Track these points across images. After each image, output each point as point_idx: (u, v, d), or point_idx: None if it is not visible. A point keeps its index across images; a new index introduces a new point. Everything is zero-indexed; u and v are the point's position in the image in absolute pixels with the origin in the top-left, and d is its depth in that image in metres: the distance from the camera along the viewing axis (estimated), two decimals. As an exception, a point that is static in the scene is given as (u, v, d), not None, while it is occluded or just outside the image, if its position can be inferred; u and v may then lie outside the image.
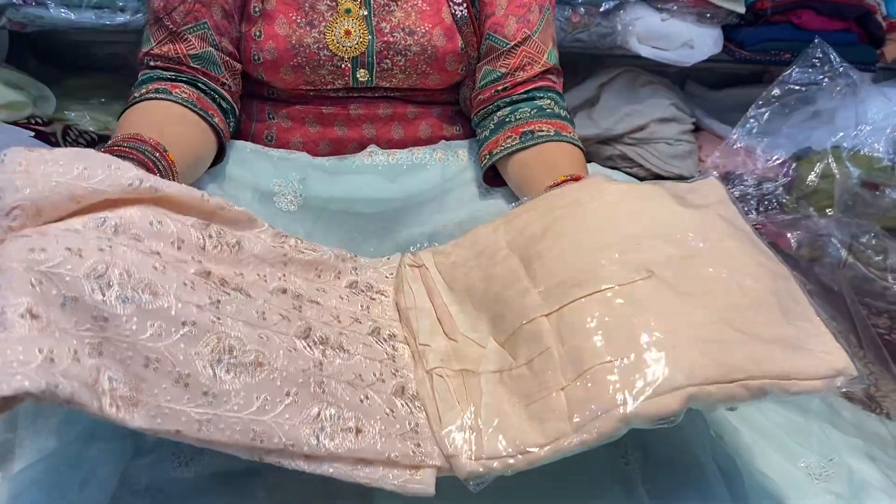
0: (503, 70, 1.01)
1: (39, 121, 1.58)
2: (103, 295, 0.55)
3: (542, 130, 0.97)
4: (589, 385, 0.62)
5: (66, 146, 1.55)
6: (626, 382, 0.60)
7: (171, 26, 0.94)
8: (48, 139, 1.52)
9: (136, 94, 0.95)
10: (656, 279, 0.66)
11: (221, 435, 0.59)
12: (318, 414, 0.64)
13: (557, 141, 0.96)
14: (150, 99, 0.93)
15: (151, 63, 0.96)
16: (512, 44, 0.99)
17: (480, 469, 0.64)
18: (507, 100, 1.01)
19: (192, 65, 0.96)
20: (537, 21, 0.99)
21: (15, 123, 1.51)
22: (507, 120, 1.00)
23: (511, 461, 0.63)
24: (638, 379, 0.60)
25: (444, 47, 1.00)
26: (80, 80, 1.82)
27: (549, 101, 0.99)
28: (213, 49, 0.97)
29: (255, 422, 0.60)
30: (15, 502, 0.84)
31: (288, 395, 0.63)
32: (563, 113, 1.00)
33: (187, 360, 0.58)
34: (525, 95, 1.00)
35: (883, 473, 1.00)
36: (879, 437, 1.07)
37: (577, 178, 0.87)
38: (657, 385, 0.59)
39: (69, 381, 0.51)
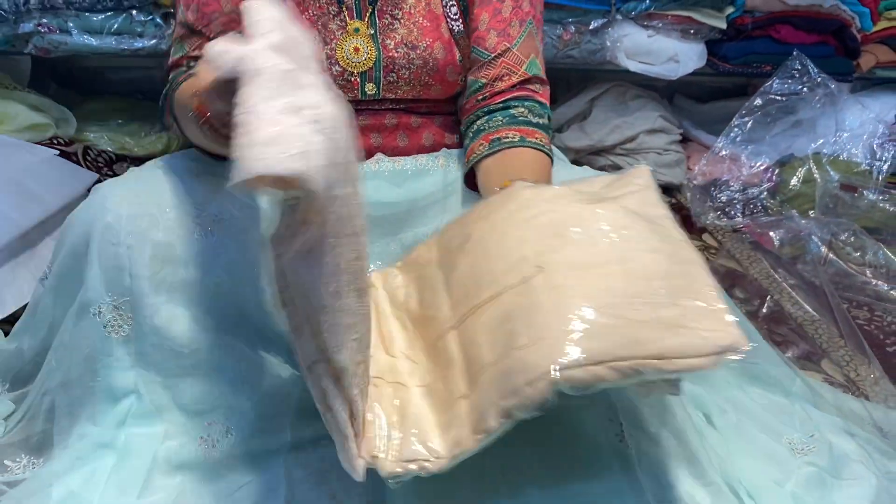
0: (483, 80, 1.08)
1: (61, 141, 1.66)
2: None
3: (507, 137, 1.03)
4: (480, 390, 0.70)
5: (85, 165, 1.64)
6: (502, 384, 0.67)
7: (207, 33, 1.01)
8: (70, 158, 1.61)
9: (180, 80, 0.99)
10: (545, 275, 0.71)
11: None
12: None
13: (520, 146, 1.02)
14: None
15: (191, 64, 1.02)
16: (492, 55, 1.07)
17: (399, 470, 0.71)
18: (486, 109, 1.08)
19: None
20: (517, 35, 1.07)
21: (39, 143, 1.60)
22: (482, 128, 1.07)
23: (426, 464, 0.71)
24: (512, 377, 0.66)
25: (444, 60, 1.08)
26: (97, 104, 1.91)
27: (523, 110, 1.06)
28: None
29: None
30: (56, 481, 0.91)
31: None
32: (536, 120, 1.06)
33: None
34: (501, 105, 1.07)
35: (861, 447, 1.06)
36: (858, 416, 1.14)
37: None
38: (526, 379, 0.65)
39: None
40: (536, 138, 1.03)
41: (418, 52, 1.06)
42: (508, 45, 1.06)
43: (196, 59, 1.01)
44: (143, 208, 0.91)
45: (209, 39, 1.00)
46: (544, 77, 1.09)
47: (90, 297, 0.90)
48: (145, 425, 0.95)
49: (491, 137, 1.03)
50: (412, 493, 0.88)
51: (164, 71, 1.06)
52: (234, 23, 1.00)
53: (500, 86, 1.07)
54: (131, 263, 0.88)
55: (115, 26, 1.60)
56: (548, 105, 1.09)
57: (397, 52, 1.05)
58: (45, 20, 1.59)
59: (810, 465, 1.01)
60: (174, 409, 0.95)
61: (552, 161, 1.04)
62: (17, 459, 0.96)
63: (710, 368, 0.64)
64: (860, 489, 0.99)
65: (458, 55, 1.07)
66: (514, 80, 1.06)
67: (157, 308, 0.90)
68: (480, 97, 1.08)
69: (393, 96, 1.10)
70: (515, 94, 1.07)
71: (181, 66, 1.03)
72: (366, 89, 1.07)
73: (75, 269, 0.93)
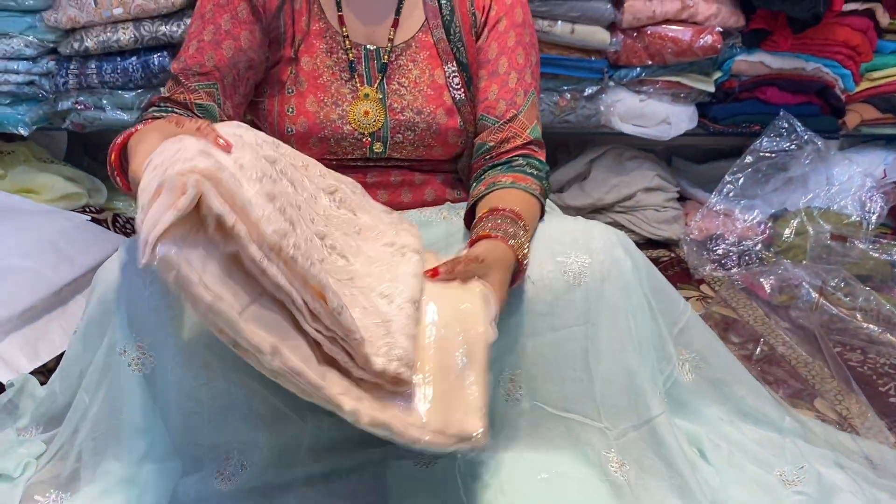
0: (492, 143, 1.18)
1: (93, 209, 1.78)
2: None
3: (502, 181, 1.12)
4: None
5: (114, 231, 1.75)
6: None
7: (185, 82, 1.11)
8: (101, 224, 1.72)
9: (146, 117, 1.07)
10: None
11: None
12: None
13: (511, 188, 1.11)
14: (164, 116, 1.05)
15: (161, 104, 1.10)
16: (501, 122, 1.17)
17: None
18: (490, 165, 1.18)
19: (196, 112, 1.11)
20: (522, 103, 1.17)
21: (73, 211, 1.72)
22: (483, 177, 1.16)
23: None
24: None
25: (445, 124, 1.18)
26: (126, 175, 2.04)
27: (522, 162, 1.15)
28: (216, 105, 1.12)
29: None
30: (83, 514, 0.97)
31: None
32: (530, 171, 1.14)
33: None
34: (504, 161, 1.17)
35: (851, 479, 1.09)
36: (849, 449, 1.17)
37: (486, 236, 1.01)
38: None
39: None
40: (527, 183, 1.11)
41: (423, 116, 1.16)
42: (515, 112, 1.16)
43: (169, 100, 1.10)
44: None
45: (185, 86, 1.10)
46: (542, 140, 1.19)
47: (117, 337, 0.98)
48: (165, 460, 1.01)
49: (489, 181, 1.13)
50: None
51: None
52: (214, 75, 1.10)
53: (507, 146, 1.17)
54: (155, 305, 0.97)
55: (145, 102, 1.73)
56: (545, 161, 1.18)
57: (403, 115, 1.15)
58: (81, 98, 1.73)
59: (800, 495, 1.05)
60: (192, 445, 1.01)
61: (541, 203, 1.12)
62: (47, 495, 1.03)
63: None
64: (849, 517, 1.03)
65: (459, 120, 1.17)
66: (519, 142, 1.16)
67: (178, 347, 0.97)
68: (488, 157, 1.18)
69: (398, 156, 1.19)
70: (518, 152, 1.17)
71: (154, 104, 1.11)
72: (374, 148, 1.17)
73: (104, 317, 1.01)
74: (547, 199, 1.16)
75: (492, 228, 1.01)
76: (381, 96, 1.15)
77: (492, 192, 1.11)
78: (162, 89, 1.15)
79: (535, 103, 1.19)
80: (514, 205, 1.06)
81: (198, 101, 1.10)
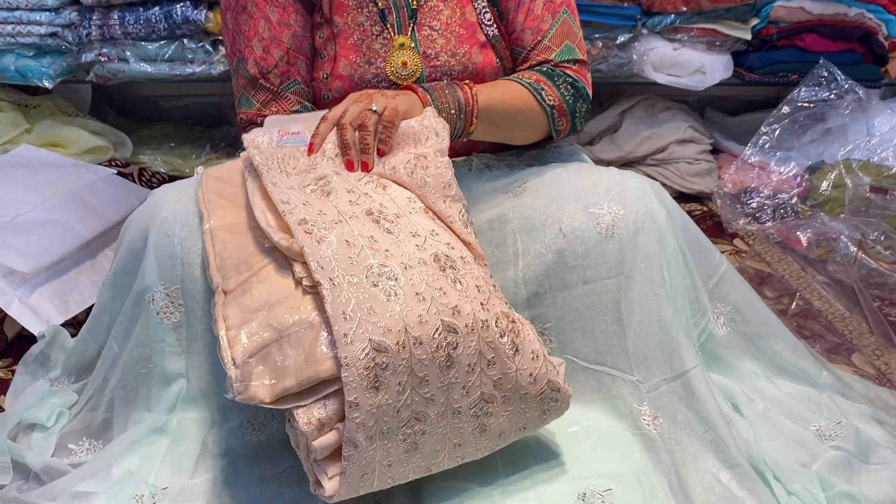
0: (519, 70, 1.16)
1: (118, 163, 1.78)
2: None
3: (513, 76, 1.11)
4: None
5: (140, 185, 1.75)
6: None
7: (271, 87, 1.10)
8: (127, 178, 1.72)
9: None
10: None
11: None
12: None
13: (514, 80, 1.10)
14: None
15: (262, 122, 1.09)
16: (525, 52, 1.15)
17: None
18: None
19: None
20: (548, 28, 1.14)
21: (99, 165, 1.72)
22: None
23: None
24: None
25: (481, 63, 1.15)
26: (151, 129, 2.04)
27: (543, 68, 1.13)
28: (307, 102, 1.12)
29: None
30: (116, 463, 0.98)
31: None
32: (559, 81, 1.11)
33: None
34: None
35: (890, 434, 1.07)
36: (887, 404, 1.15)
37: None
38: None
39: None
40: (532, 79, 1.10)
41: (458, 58, 1.13)
42: (540, 38, 1.13)
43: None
44: (195, 205, 0.99)
45: (273, 93, 1.10)
46: (580, 58, 1.15)
47: (145, 285, 0.98)
48: (195, 410, 1.01)
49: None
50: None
51: (237, 124, 1.14)
52: (291, 71, 1.10)
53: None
54: (183, 252, 0.96)
55: (168, 54, 1.71)
56: (577, 77, 1.14)
57: (439, 60, 1.12)
58: (104, 50, 1.72)
59: (837, 450, 1.02)
60: (221, 394, 1.01)
61: (539, 102, 1.10)
62: (80, 443, 1.04)
63: None
64: (888, 473, 1.00)
65: (494, 57, 1.14)
66: (545, 68, 1.13)
67: (206, 296, 0.97)
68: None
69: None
70: (546, 65, 1.14)
71: (255, 122, 1.10)
72: None
73: (132, 266, 1.01)
74: (561, 115, 1.13)
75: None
76: (413, 44, 1.12)
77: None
78: (247, 98, 1.12)
79: (568, 21, 1.15)
80: (506, 94, 1.08)
81: (294, 109, 1.10)
